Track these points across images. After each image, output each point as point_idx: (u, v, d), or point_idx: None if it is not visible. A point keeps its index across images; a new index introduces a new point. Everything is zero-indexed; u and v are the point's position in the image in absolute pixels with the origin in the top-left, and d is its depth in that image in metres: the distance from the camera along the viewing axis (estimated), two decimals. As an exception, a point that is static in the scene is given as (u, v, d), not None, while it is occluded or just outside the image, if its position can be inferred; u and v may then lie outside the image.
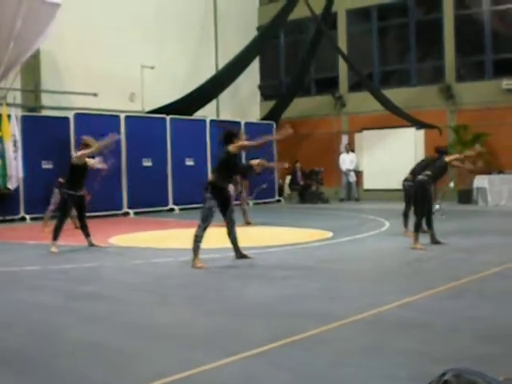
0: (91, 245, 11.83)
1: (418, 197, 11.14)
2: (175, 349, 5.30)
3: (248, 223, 15.20)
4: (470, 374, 2.34)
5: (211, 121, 22.24)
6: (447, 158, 11.45)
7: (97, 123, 18.84)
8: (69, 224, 13.97)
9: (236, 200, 15.73)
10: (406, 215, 12.79)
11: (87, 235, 11.92)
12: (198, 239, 9.43)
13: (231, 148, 9.60)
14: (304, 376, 4.51)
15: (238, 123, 22.94)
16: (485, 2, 22.65)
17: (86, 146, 11.71)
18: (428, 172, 11.17)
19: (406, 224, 12.72)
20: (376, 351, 5.08)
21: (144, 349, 5.29)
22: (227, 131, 10.05)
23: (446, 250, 10.51)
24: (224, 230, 9.74)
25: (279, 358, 4.94)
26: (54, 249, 11.15)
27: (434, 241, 11.14)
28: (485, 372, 2.43)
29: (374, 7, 25.11)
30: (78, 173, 11.64)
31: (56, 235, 11.32)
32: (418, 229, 10.86)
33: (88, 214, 15.52)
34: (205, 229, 9.46)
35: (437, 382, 2.36)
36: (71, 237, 12.55)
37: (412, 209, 11.95)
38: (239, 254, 9.87)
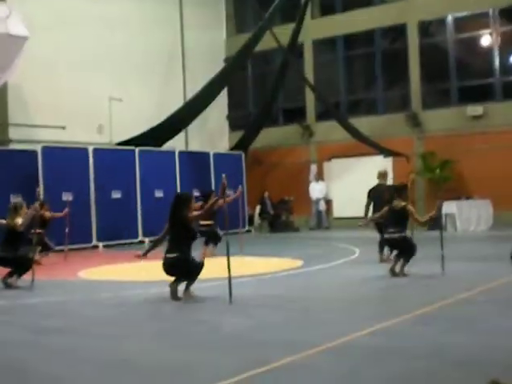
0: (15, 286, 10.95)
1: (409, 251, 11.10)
2: (142, 383, 5.22)
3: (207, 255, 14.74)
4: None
5: (180, 152, 22.24)
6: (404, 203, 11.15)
7: (65, 156, 18.82)
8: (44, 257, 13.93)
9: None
10: (381, 242, 12.64)
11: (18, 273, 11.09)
12: None
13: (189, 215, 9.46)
14: (276, 406, 4.46)
15: (207, 154, 22.97)
16: (448, 31, 23.04)
17: (16, 209, 11.20)
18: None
19: (381, 250, 12.64)
20: (350, 379, 5.05)
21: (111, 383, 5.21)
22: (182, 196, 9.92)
23: (416, 277, 10.53)
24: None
25: (251, 388, 4.89)
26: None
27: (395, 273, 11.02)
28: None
29: (340, 37, 25.43)
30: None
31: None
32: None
33: (57, 248, 15.51)
34: None
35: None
36: (39, 270, 12.35)
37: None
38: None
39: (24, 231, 11.26)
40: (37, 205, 11.68)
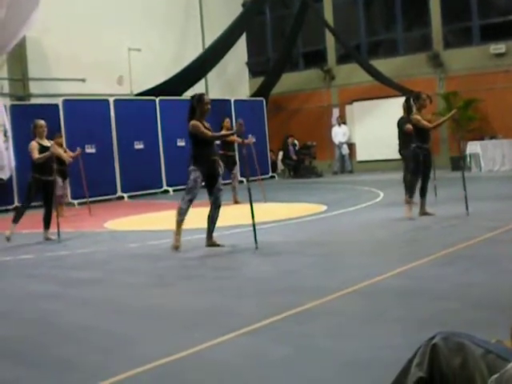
0: (47, 239, 11.06)
1: (411, 165, 11.10)
2: (172, 329, 5.32)
3: (237, 202, 15.03)
4: (459, 336, 2.36)
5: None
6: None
7: (86, 108, 18.83)
8: (69, 210, 13.93)
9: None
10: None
11: (47, 226, 11.12)
12: (181, 211, 9.03)
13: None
14: (303, 349, 4.54)
15: (228, 101, 22.88)
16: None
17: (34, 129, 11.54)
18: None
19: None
20: (372, 321, 5.11)
21: (141, 331, 5.32)
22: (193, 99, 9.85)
23: (441, 218, 10.53)
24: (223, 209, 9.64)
25: (277, 332, 4.97)
26: (8, 232, 10.96)
27: (423, 211, 11.01)
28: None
29: (358, -23, 25.01)
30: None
31: (15, 219, 11.03)
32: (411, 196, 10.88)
33: (82, 200, 15.64)
34: (189, 201, 9.01)
35: (425, 346, 2.38)
36: (65, 223, 12.52)
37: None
38: (209, 242, 9.24)
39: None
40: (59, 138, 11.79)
